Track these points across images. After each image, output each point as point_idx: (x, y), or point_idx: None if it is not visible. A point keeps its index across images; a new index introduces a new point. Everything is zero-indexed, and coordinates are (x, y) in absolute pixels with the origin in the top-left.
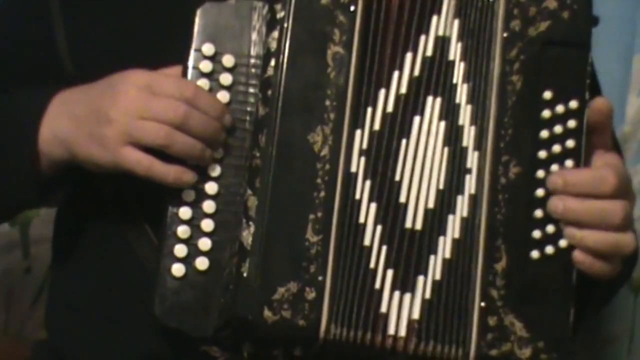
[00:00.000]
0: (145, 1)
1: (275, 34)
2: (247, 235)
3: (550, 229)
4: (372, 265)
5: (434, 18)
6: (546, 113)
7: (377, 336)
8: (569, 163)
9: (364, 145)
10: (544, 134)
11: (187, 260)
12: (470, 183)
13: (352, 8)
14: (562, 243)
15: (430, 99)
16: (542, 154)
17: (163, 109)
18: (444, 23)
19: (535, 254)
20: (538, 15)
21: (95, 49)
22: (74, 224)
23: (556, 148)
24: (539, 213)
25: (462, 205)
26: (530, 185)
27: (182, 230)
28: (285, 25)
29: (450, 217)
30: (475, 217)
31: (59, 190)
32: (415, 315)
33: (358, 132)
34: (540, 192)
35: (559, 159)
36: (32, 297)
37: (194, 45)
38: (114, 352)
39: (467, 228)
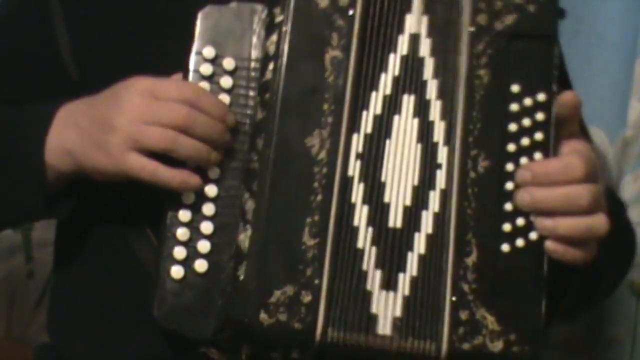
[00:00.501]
0: (147, 5)
1: (274, 37)
2: (244, 239)
3: (520, 221)
4: (364, 267)
5: (407, 16)
6: (514, 106)
7: (370, 337)
8: (537, 156)
9: (360, 149)
10: (513, 127)
11: (187, 263)
12: (440, 178)
13: (350, 12)
14: (533, 235)
15: (405, 97)
16: (511, 147)
17: (166, 112)
18: (416, 20)
19: (505, 247)
20: (504, 9)
21: (98, 54)
22: (75, 228)
23: (525, 141)
24: (508, 206)
25: (434, 200)
26: (499, 179)
27: (182, 233)
28: (284, 29)
29: (424, 212)
30: (445, 212)
31: (66, 202)
32: (398, 313)
33: (355, 136)
34: (509, 185)
35: (528, 151)
36: (34, 300)
37: (194, 48)
38: (115, 354)
39: (439, 223)
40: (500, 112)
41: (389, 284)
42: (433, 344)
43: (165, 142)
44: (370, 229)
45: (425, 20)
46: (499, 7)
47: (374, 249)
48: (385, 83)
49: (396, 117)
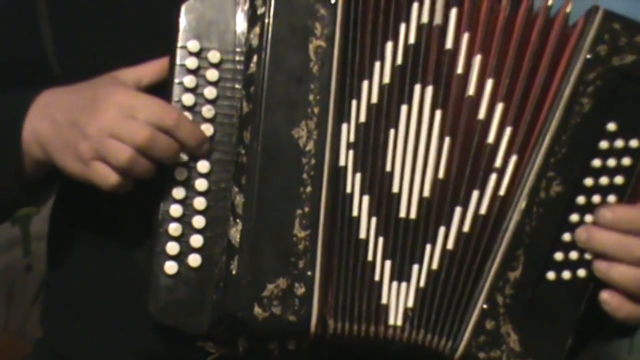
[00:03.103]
0: (130, 0)
1: (257, 30)
2: (235, 233)
3: (573, 255)
4: (369, 257)
5: (415, 5)
6: (604, 144)
7: (380, 327)
8: (611, 198)
9: (351, 138)
10: (596, 163)
11: (180, 258)
12: (498, 183)
13: (332, 1)
14: (581, 272)
15: (418, 87)
16: (589, 181)
17: (129, 131)
18: (429, 10)
19: (551, 275)
20: (627, 47)
21: (81, 49)
22: (67, 225)
23: (604, 180)
24: (567, 237)
25: (479, 201)
26: (567, 207)
27: (174, 228)
28: (266, 21)
29: (458, 209)
30: (501, 219)
31: (48, 189)
32: (410, 303)
33: (344, 125)
34: (574, 217)
35: (604, 191)
36: (32, 294)
37: (179, 42)
38: (110, 350)
39: (484, 225)
40: (589, 144)
41: (400, 274)
42: (450, 342)
43: (123, 161)
44: (374, 219)
45: (454, 12)
46: (622, 44)
47: (380, 239)
48: (382, 71)
49: (404, 107)
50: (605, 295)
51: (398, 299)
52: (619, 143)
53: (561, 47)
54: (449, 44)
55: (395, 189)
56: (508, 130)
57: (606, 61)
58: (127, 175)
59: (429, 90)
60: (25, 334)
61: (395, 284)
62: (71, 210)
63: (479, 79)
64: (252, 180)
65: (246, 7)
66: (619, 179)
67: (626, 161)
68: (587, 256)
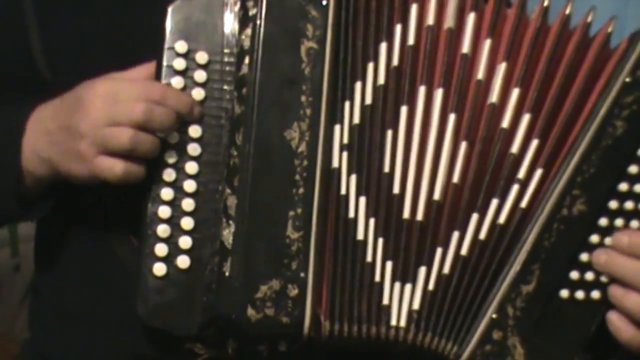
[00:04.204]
0: (117, 3)
1: (248, 31)
2: (228, 235)
3: (589, 276)
4: (369, 258)
5: (414, 6)
6: (634, 169)
7: (381, 328)
8: (634, 224)
9: (345, 140)
10: (623, 186)
11: (168, 259)
12: (520, 194)
13: (324, 2)
14: (595, 294)
15: (422, 89)
16: (613, 204)
17: (123, 112)
18: (436, 13)
19: (564, 293)
20: None
21: (70, 54)
22: (55, 228)
23: (629, 205)
24: (584, 257)
25: (498, 210)
26: (589, 228)
27: (162, 229)
28: (258, 22)
29: (475, 215)
30: (520, 231)
31: (43, 203)
32: (416, 305)
33: (337, 127)
34: (595, 238)
35: (627, 216)
36: (21, 294)
37: (166, 43)
38: (98, 353)
39: (502, 235)
40: (618, 167)
41: (404, 276)
42: (455, 348)
43: (125, 142)
44: (372, 220)
45: (471, 17)
46: None
47: (380, 240)
48: (376, 72)
49: (404, 108)
50: (613, 316)
51: (401, 300)
52: None
53: (600, 67)
54: (465, 48)
55: (395, 190)
56: (535, 143)
57: None
58: (135, 156)
59: (439, 92)
60: (14, 335)
61: (398, 284)
62: (59, 212)
63: (504, 87)
64: (244, 182)
65: (237, 8)
66: None
67: None
68: (603, 279)
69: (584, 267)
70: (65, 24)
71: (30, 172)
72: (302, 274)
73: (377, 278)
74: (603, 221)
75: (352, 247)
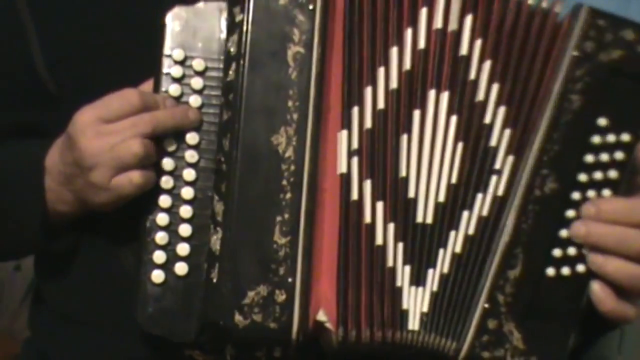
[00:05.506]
0: (118, 13)
1: (235, 37)
2: (216, 241)
3: (571, 251)
4: (389, 263)
5: (423, 10)
6: (596, 139)
7: (403, 333)
8: (606, 192)
9: (354, 145)
10: (589, 158)
11: (167, 266)
12: (497, 184)
13: (310, 6)
14: (580, 267)
15: (433, 92)
16: (583, 177)
17: (126, 128)
18: (443, 16)
19: (550, 271)
20: (613, 42)
21: (73, 66)
22: None
23: (597, 175)
24: (564, 233)
25: (482, 203)
26: (563, 204)
27: (161, 237)
28: (244, 28)
29: (465, 213)
30: (500, 219)
31: (69, 236)
32: (425, 308)
33: (344, 132)
34: (570, 213)
35: (598, 186)
36: (21, 294)
37: (164, 51)
38: (98, 356)
39: (485, 227)
40: (581, 140)
41: (418, 279)
42: (454, 344)
43: (138, 149)
44: (391, 225)
45: (469, 18)
46: (609, 40)
47: (400, 244)
48: (388, 77)
49: (417, 112)
50: (595, 285)
51: (415, 304)
52: (611, 138)
53: (551, 47)
54: (464, 49)
55: (411, 194)
56: (507, 132)
57: (593, 57)
58: (150, 161)
59: (445, 95)
60: (14, 334)
61: (413, 289)
62: None
63: (488, 84)
64: (231, 187)
65: (225, 14)
66: (612, 174)
67: (619, 155)
68: (585, 251)
69: (565, 243)
70: (66, 36)
71: (63, 214)
72: (289, 279)
73: (399, 283)
74: (576, 195)
75: (371, 253)
